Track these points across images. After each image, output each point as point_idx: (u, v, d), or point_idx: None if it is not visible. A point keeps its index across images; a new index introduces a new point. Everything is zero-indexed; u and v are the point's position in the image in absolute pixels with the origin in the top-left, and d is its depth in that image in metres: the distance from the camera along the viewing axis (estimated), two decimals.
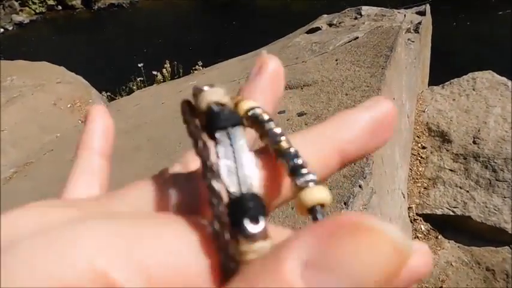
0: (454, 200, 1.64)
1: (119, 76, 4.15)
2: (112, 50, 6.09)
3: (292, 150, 0.13)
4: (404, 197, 1.56)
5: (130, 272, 0.10)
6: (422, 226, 1.65)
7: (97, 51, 6.18)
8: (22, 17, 7.68)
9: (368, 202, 1.05)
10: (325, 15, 2.22)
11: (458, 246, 1.59)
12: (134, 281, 0.10)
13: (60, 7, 8.08)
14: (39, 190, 1.75)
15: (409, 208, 1.66)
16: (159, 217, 0.12)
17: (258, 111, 0.14)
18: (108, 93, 3.76)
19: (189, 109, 0.15)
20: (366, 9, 2.01)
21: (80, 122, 2.68)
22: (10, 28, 7.46)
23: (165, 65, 3.74)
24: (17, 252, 0.10)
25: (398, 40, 1.48)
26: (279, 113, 1.37)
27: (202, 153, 0.12)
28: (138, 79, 3.84)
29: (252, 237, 0.10)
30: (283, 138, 0.14)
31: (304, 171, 0.13)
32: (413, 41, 1.82)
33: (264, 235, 0.11)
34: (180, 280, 0.11)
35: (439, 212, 1.63)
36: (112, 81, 4.06)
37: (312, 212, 0.12)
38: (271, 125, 0.14)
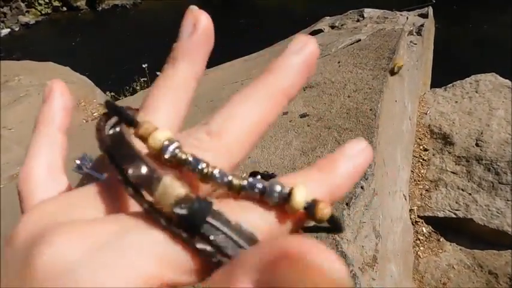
0: (456, 202, 1.63)
1: (123, 76, 4.18)
2: (116, 51, 6.13)
3: (244, 183, 0.14)
4: (406, 198, 1.56)
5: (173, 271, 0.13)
6: (423, 228, 1.65)
7: (101, 51, 6.22)
8: (28, 18, 7.75)
9: (369, 203, 1.05)
10: (328, 18, 2.22)
11: (460, 249, 1.58)
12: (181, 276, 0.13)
13: (65, 8, 8.15)
14: None
15: (411, 210, 1.66)
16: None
17: (177, 152, 0.14)
18: (112, 93, 3.79)
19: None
20: (368, 12, 2.01)
21: (84, 121, 2.71)
22: (16, 29, 7.53)
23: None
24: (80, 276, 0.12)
25: (400, 43, 1.48)
26: (282, 114, 1.38)
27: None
28: (142, 79, 3.87)
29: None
30: (229, 178, 0.14)
31: (274, 194, 0.14)
32: (415, 44, 1.83)
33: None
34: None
35: (441, 214, 1.63)
36: (116, 81, 4.09)
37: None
38: (208, 168, 0.14)
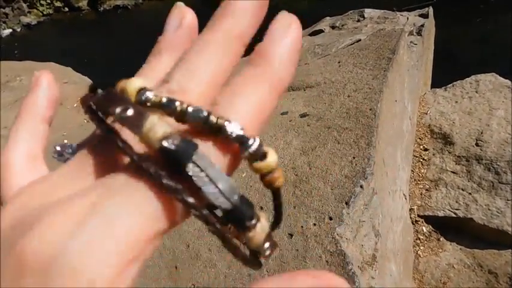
0: (456, 202, 1.64)
1: (125, 76, 4.18)
2: (117, 51, 6.15)
3: (225, 122, 0.14)
4: (406, 198, 1.57)
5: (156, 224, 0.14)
6: (424, 228, 1.65)
7: (103, 52, 6.24)
8: (30, 19, 7.78)
9: (369, 202, 1.06)
10: (328, 18, 2.23)
11: (460, 249, 1.59)
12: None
13: (66, 9, 8.17)
14: None
15: (411, 209, 1.67)
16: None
17: (149, 95, 0.15)
18: None
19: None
20: (368, 12, 2.02)
21: (85, 121, 2.72)
22: (18, 29, 7.56)
23: None
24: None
25: (400, 43, 1.49)
26: (282, 114, 1.39)
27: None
28: None
29: (251, 227, 0.14)
30: (204, 114, 0.14)
31: (249, 141, 0.14)
32: (415, 44, 1.83)
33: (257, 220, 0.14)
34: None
35: (441, 213, 1.63)
36: (118, 81, 4.09)
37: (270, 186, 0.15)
38: (182, 105, 0.14)
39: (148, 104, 0.15)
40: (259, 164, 0.15)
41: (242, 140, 0.14)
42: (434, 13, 2.21)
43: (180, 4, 0.20)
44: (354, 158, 1.09)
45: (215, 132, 0.14)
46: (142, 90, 0.15)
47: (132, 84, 0.15)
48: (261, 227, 0.14)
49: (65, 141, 0.19)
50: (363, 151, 1.10)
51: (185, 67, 0.16)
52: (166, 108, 0.14)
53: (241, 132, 0.14)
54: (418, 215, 1.67)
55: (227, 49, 0.16)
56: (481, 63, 3.60)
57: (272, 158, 0.15)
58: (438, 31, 2.32)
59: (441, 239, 1.62)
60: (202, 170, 0.13)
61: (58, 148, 0.19)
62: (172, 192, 0.13)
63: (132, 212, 0.13)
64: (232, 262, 0.97)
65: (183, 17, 0.19)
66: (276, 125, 1.31)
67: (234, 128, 0.14)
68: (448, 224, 1.62)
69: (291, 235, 0.97)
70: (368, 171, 1.05)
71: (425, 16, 2.09)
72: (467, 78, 2.03)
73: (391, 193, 1.30)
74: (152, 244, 0.14)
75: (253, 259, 0.16)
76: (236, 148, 0.15)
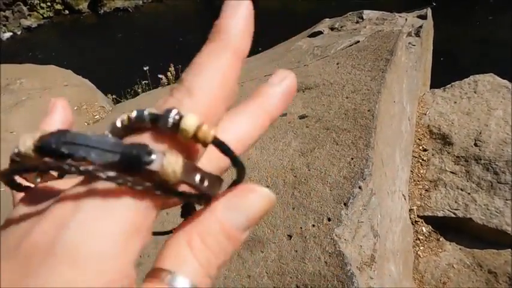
0: (456, 202, 1.64)
1: (125, 79, 4.20)
2: (118, 54, 6.16)
3: (133, 115, 0.16)
4: (405, 198, 1.57)
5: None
6: (423, 228, 1.66)
7: (103, 54, 6.25)
8: (30, 22, 7.80)
9: (367, 203, 1.06)
10: (327, 19, 2.24)
11: (460, 249, 1.59)
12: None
13: (67, 11, 8.19)
14: None
15: (411, 210, 1.67)
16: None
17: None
18: (114, 96, 3.81)
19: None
20: (367, 13, 2.03)
21: (86, 124, 2.73)
22: (19, 32, 7.58)
23: (170, 69, 3.78)
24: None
25: (398, 44, 1.49)
26: (281, 115, 1.39)
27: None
28: (143, 82, 3.89)
29: (156, 164, 0.15)
30: (120, 120, 0.16)
31: (165, 115, 0.15)
32: (414, 45, 1.84)
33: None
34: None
35: (440, 214, 1.63)
36: (118, 84, 4.11)
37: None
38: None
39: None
40: (181, 131, 0.15)
41: (155, 118, 0.15)
42: (433, 14, 2.21)
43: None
44: (352, 159, 1.10)
45: (136, 129, 0.16)
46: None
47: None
48: (169, 160, 0.14)
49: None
50: (361, 152, 1.10)
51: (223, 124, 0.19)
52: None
53: (151, 111, 0.15)
54: (418, 215, 1.67)
55: (258, 120, 0.20)
56: (479, 63, 3.60)
57: (188, 121, 0.15)
58: (437, 32, 2.33)
59: (441, 239, 1.63)
60: (79, 145, 0.14)
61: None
62: (60, 169, 0.14)
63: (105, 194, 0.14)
64: (232, 263, 0.97)
65: (240, 6, 0.19)
66: (275, 127, 1.32)
67: (142, 114, 0.15)
68: (448, 224, 1.63)
69: (290, 236, 0.98)
70: (366, 172, 1.06)
71: (423, 17, 2.10)
72: (465, 79, 2.04)
73: (390, 194, 1.31)
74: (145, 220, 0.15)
75: (186, 209, 0.18)
76: (156, 127, 0.15)
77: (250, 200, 0.17)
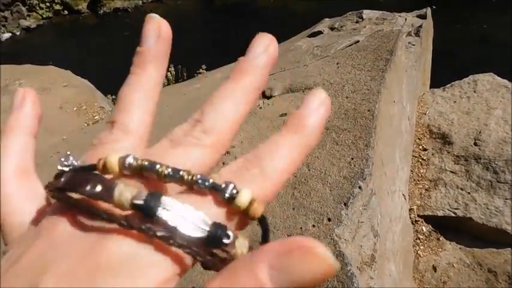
0: (456, 201, 1.64)
1: (124, 80, 4.18)
2: (117, 54, 6.16)
3: (197, 177, 0.16)
4: (405, 198, 1.58)
5: None
6: (423, 227, 1.66)
7: (102, 55, 6.25)
8: (29, 22, 7.79)
9: (368, 203, 1.06)
10: (327, 19, 2.24)
11: (460, 248, 1.59)
12: None
13: (66, 12, 8.19)
14: None
15: (410, 209, 1.67)
16: None
17: (131, 160, 0.16)
18: (113, 97, 3.81)
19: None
20: (367, 13, 2.03)
21: (85, 124, 2.73)
22: (18, 33, 7.57)
23: (170, 69, 3.78)
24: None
25: (398, 44, 1.50)
26: (281, 116, 1.39)
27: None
28: None
29: (230, 245, 0.16)
30: (181, 173, 0.16)
31: (222, 186, 0.16)
32: (413, 45, 1.84)
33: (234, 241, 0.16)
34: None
35: (440, 213, 1.64)
36: (117, 84, 4.09)
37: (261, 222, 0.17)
38: (159, 167, 0.16)
39: (128, 171, 0.17)
40: (235, 204, 0.16)
41: (215, 187, 0.16)
42: (433, 13, 2.21)
43: (155, 15, 0.22)
44: (352, 159, 1.10)
45: (192, 186, 0.17)
46: (123, 159, 0.17)
47: (113, 158, 0.17)
48: (239, 242, 0.16)
49: (68, 152, 0.20)
50: (361, 152, 1.10)
51: (214, 110, 0.19)
52: (148, 171, 0.16)
53: (211, 181, 0.16)
54: (418, 215, 1.67)
55: (248, 98, 0.20)
56: (479, 63, 3.61)
57: (243, 197, 0.16)
58: (437, 31, 2.33)
59: (441, 239, 1.63)
60: (171, 211, 0.15)
61: (63, 159, 0.20)
62: (144, 231, 0.15)
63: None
64: None
65: (160, 29, 0.21)
66: (274, 127, 1.32)
67: (206, 181, 0.16)
68: (448, 223, 1.63)
69: (290, 237, 0.97)
70: (366, 172, 1.06)
71: (423, 17, 2.10)
72: (465, 79, 2.04)
73: (390, 193, 1.31)
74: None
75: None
76: (214, 195, 0.16)
77: (305, 263, 0.14)
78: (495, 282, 1.48)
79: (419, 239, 1.64)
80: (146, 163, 0.16)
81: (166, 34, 0.21)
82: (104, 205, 0.16)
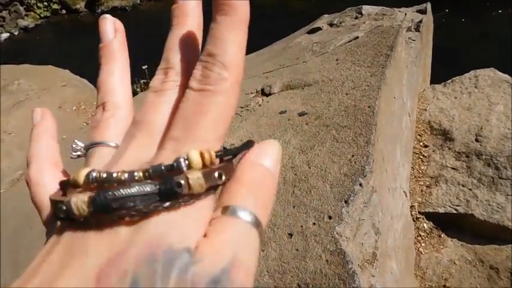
0: (457, 198, 1.63)
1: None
2: None
3: (149, 171, 0.18)
4: (406, 195, 1.57)
5: None
6: (425, 224, 1.65)
7: None
8: (27, 22, 7.77)
9: (368, 200, 1.05)
10: (326, 15, 2.22)
11: (462, 245, 1.58)
12: None
13: (64, 11, 8.16)
14: None
15: (412, 206, 1.66)
16: None
17: (94, 174, 0.19)
18: None
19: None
20: (366, 9, 2.01)
21: (84, 124, 2.72)
22: (16, 33, 7.55)
23: None
24: None
25: (398, 39, 1.48)
26: (280, 113, 1.38)
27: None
28: (142, 81, 3.87)
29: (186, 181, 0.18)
30: (136, 174, 0.18)
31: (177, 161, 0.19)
32: (414, 40, 1.83)
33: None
34: None
35: (441, 210, 1.63)
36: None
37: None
38: (117, 175, 0.18)
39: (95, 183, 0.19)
40: (193, 168, 0.18)
41: (169, 168, 0.18)
42: (433, 8, 2.20)
43: (107, 16, 0.26)
44: (352, 156, 1.09)
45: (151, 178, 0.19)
46: (88, 174, 0.19)
47: (82, 173, 0.19)
48: (192, 177, 0.18)
49: (75, 140, 0.24)
50: (362, 149, 1.09)
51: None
52: (108, 181, 0.18)
53: (162, 167, 0.18)
54: (419, 212, 1.66)
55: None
56: (480, 58, 3.59)
57: (194, 159, 0.18)
58: (437, 27, 2.31)
59: (442, 236, 1.62)
60: (125, 197, 0.17)
61: (74, 146, 0.24)
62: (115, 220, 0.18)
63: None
64: None
65: (115, 25, 0.25)
66: (274, 124, 1.31)
67: (158, 168, 0.18)
68: (449, 220, 1.62)
69: (290, 235, 0.97)
70: (367, 169, 1.05)
71: (423, 12, 2.08)
72: (466, 74, 2.03)
73: (391, 190, 1.30)
74: None
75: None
76: (174, 172, 0.18)
77: (271, 148, 0.21)
78: (497, 279, 1.47)
79: (420, 236, 1.63)
80: (104, 175, 0.18)
81: (121, 28, 0.25)
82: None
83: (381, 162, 1.19)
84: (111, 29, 0.25)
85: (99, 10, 8.09)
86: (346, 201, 0.98)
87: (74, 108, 2.90)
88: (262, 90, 1.55)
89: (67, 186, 0.20)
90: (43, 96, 2.89)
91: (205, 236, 0.18)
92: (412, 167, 1.77)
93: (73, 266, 0.16)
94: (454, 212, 1.60)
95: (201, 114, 0.19)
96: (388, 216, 1.19)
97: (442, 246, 1.59)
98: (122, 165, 0.19)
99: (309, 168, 1.10)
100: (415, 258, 1.55)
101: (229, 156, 0.20)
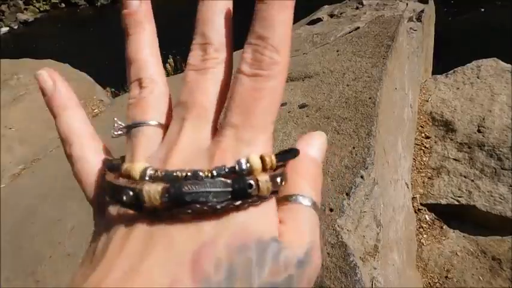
0: (459, 189, 1.63)
1: (123, 72, 4.15)
2: (116, 46, 6.10)
3: (213, 173, 0.19)
4: (408, 187, 1.56)
5: None
6: (426, 216, 1.65)
7: (101, 47, 6.21)
8: (27, 16, 7.72)
9: (370, 193, 1.05)
10: (327, 6, 2.20)
11: (464, 236, 1.58)
12: None
13: (63, 4, 8.11)
14: (47, 185, 1.78)
15: (413, 198, 1.66)
16: None
17: (151, 171, 0.19)
18: (113, 89, 3.79)
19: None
20: None
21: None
22: (15, 27, 7.52)
23: (169, 60, 3.75)
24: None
25: (399, 29, 1.46)
26: (281, 105, 1.37)
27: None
28: None
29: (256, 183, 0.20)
30: (200, 173, 0.19)
31: (239, 163, 0.20)
32: (415, 30, 1.80)
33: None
34: None
35: (443, 201, 1.62)
36: (116, 77, 4.08)
37: None
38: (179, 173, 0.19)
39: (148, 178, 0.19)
40: (254, 171, 0.20)
41: (232, 171, 0.19)
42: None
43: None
44: (353, 148, 1.08)
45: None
46: (144, 170, 0.19)
47: (137, 167, 0.19)
48: (262, 180, 0.19)
49: (115, 119, 0.24)
50: (363, 141, 1.08)
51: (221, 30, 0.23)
52: (166, 179, 0.18)
53: (226, 170, 0.19)
54: (421, 204, 1.66)
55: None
56: (482, 48, 3.55)
57: (254, 164, 0.19)
58: (439, 17, 2.28)
59: (444, 227, 1.62)
60: (198, 192, 0.18)
61: (115, 125, 0.24)
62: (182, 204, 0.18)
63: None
64: None
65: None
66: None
67: (222, 170, 0.19)
68: (451, 211, 1.62)
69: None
70: (368, 161, 1.04)
71: (425, 1, 2.06)
72: (468, 64, 2.01)
73: (392, 182, 1.29)
74: None
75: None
76: (240, 175, 0.19)
77: (319, 139, 0.24)
78: (499, 270, 1.47)
79: (422, 227, 1.63)
80: (163, 173, 0.19)
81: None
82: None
83: (382, 154, 1.18)
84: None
85: (99, 3, 8.03)
86: (347, 194, 0.98)
87: None
88: None
89: (113, 169, 0.20)
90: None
91: (280, 222, 0.20)
92: (414, 159, 1.76)
93: (158, 256, 0.17)
94: (456, 203, 1.59)
95: (257, 100, 0.19)
96: (389, 208, 1.19)
97: (444, 238, 1.58)
98: (178, 155, 0.19)
99: None
100: (416, 250, 1.55)
101: (282, 163, 0.22)
